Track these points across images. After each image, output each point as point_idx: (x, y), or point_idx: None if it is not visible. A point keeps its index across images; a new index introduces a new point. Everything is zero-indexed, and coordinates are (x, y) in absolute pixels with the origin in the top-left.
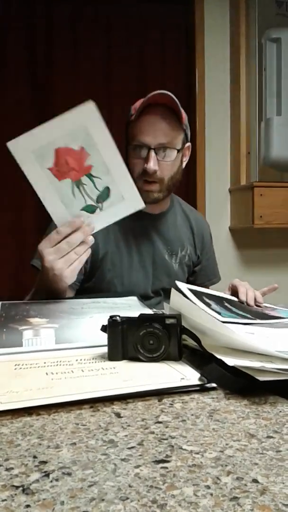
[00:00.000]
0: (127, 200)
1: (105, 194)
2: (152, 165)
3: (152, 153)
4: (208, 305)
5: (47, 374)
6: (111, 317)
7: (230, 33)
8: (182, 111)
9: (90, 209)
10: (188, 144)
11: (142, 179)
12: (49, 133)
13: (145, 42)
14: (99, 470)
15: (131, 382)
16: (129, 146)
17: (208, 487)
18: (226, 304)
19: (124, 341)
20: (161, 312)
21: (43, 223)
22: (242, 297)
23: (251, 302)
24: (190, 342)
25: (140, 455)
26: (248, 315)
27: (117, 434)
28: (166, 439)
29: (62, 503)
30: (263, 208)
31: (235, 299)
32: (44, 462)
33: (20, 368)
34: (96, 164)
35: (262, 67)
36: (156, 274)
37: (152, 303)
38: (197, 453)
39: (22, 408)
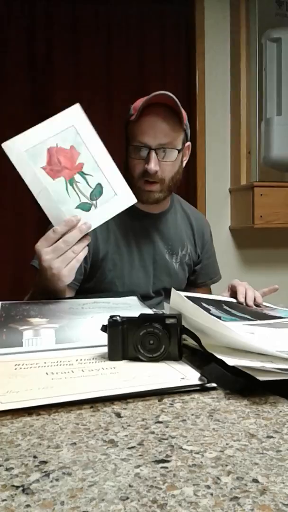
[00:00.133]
0: (119, 196)
1: (97, 190)
2: (153, 166)
3: (153, 154)
4: (207, 310)
5: (47, 374)
6: (111, 317)
7: (230, 33)
8: (183, 110)
9: (85, 207)
10: (188, 143)
11: (143, 179)
12: (40, 134)
13: (145, 42)
14: (99, 470)
15: (131, 382)
16: (129, 147)
17: (208, 487)
18: (225, 307)
19: (124, 341)
20: (161, 312)
21: (43, 223)
22: (241, 298)
23: (250, 303)
24: (190, 342)
25: (140, 455)
26: (248, 316)
27: (117, 434)
28: (166, 439)
29: (62, 503)
30: (263, 208)
31: (233, 300)
32: (44, 462)
33: (20, 368)
34: (87, 161)
35: (262, 67)
36: (156, 274)
37: (153, 303)
38: (197, 453)
39: (22, 408)
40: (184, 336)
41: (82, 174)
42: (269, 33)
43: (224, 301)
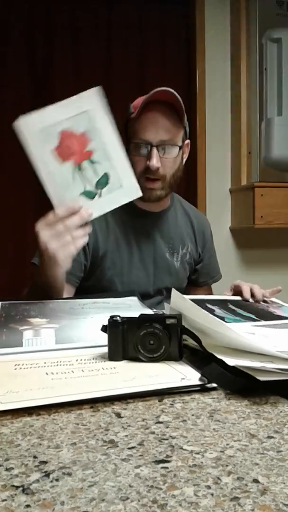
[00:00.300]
0: (125, 188)
1: (104, 180)
2: (155, 162)
3: (154, 150)
4: (212, 311)
5: (47, 374)
6: (111, 317)
7: (230, 33)
8: (183, 107)
9: (89, 195)
10: (188, 141)
11: (144, 176)
12: (55, 115)
13: (145, 42)
14: (99, 470)
15: (132, 382)
16: (130, 144)
17: (208, 487)
18: (230, 306)
19: (125, 341)
20: (161, 312)
21: None
22: (246, 295)
23: (260, 297)
24: (191, 342)
25: (140, 455)
26: (253, 316)
27: (117, 434)
28: (167, 439)
29: (62, 503)
30: (263, 208)
31: (239, 298)
32: (44, 462)
33: (20, 368)
34: (97, 149)
35: (262, 67)
36: (157, 273)
37: (153, 302)
38: (198, 453)
39: (22, 408)
40: (185, 336)
41: (91, 161)
42: (269, 33)
43: (229, 300)
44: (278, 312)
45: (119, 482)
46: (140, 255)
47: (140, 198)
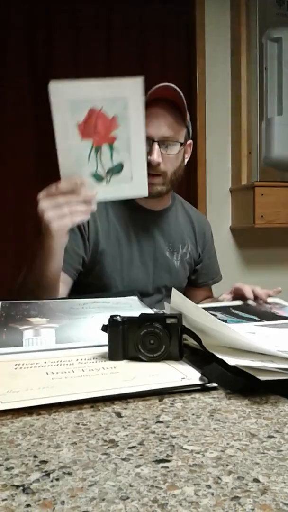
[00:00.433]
0: (134, 183)
1: (117, 169)
2: (156, 157)
3: (156, 146)
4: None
5: (47, 373)
6: (111, 316)
7: (230, 33)
8: (185, 105)
9: (98, 178)
10: (190, 141)
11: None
12: (91, 90)
13: (145, 42)
14: (99, 470)
15: (132, 381)
16: None
17: (209, 486)
18: (233, 310)
19: (125, 340)
20: (161, 312)
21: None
22: (249, 295)
23: (264, 297)
24: (191, 341)
25: (140, 455)
26: (255, 317)
27: (117, 434)
28: (167, 438)
29: (63, 502)
30: (264, 207)
31: (240, 302)
32: (45, 462)
33: (21, 367)
34: (121, 137)
35: (263, 66)
36: (156, 271)
37: (152, 300)
38: (198, 453)
39: (22, 407)
40: (185, 336)
41: (111, 147)
42: (269, 32)
43: (231, 305)
44: (281, 312)
45: (119, 482)
46: (140, 253)
47: None
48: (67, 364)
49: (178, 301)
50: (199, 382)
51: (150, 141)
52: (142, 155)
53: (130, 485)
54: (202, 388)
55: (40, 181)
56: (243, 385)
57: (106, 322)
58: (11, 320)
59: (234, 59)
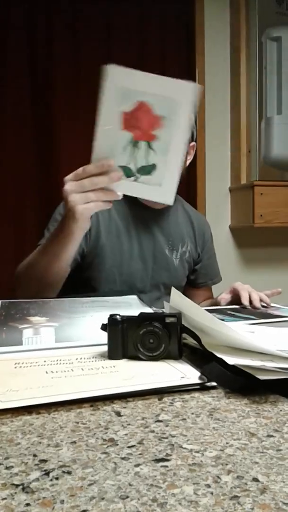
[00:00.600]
0: (162, 189)
1: (149, 169)
2: None
3: None
4: None
5: (47, 372)
6: (111, 315)
7: (230, 32)
8: None
9: (127, 172)
10: (193, 143)
11: None
12: (147, 83)
13: (145, 41)
14: (99, 469)
15: (131, 380)
16: None
17: (208, 486)
18: (229, 312)
19: (124, 339)
20: (161, 311)
21: (44, 223)
22: (245, 301)
23: (258, 304)
24: (190, 341)
25: (140, 454)
26: (252, 317)
27: (117, 433)
28: (166, 437)
29: (62, 501)
30: (263, 207)
31: (237, 307)
32: (44, 461)
33: (20, 366)
34: (162, 139)
35: (262, 66)
36: (155, 268)
37: (151, 297)
38: (197, 452)
39: (22, 406)
40: (184, 335)
41: (149, 145)
42: (269, 32)
43: (228, 308)
44: (276, 313)
45: (118, 481)
46: (140, 249)
47: None
48: (66, 363)
49: (177, 300)
50: (199, 381)
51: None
52: (177, 164)
53: (130, 484)
54: (201, 387)
55: (40, 181)
56: (243, 384)
57: (106, 321)
58: (11, 319)
59: (234, 58)
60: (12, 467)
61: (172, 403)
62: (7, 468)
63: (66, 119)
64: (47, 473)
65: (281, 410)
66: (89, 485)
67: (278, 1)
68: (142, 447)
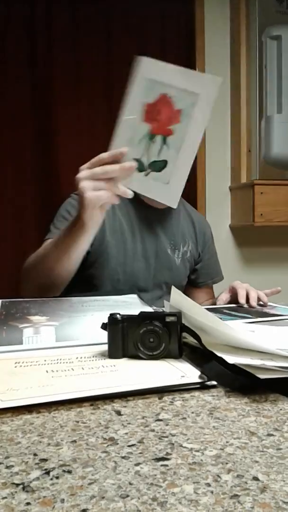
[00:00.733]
0: (168, 188)
1: (160, 165)
2: None
3: None
4: None
5: (47, 372)
6: (111, 315)
7: (230, 31)
8: None
9: (140, 166)
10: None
11: None
12: (171, 75)
13: (145, 40)
14: (99, 468)
15: (131, 379)
16: None
17: (208, 484)
18: (226, 311)
19: (125, 339)
20: (161, 310)
21: (44, 223)
22: (241, 300)
23: (254, 303)
24: (191, 340)
25: (140, 453)
26: (249, 315)
27: (117, 432)
28: (167, 436)
29: (62, 500)
30: (263, 206)
31: (233, 305)
32: (44, 460)
33: (21, 366)
34: (177, 134)
35: (262, 64)
36: (158, 267)
37: (153, 296)
38: (198, 451)
39: (22, 406)
40: (184, 334)
41: (164, 140)
42: (269, 30)
43: (225, 307)
44: (272, 311)
45: (119, 480)
46: (143, 248)
47: None
48: (67, 362)
49: (177, 299)
50: (199, 380)
51: None
52: (188, 163)
53: (130, 483)
54: (201, 386)
55: (40, 181)
56: (243, 383)
57: (106, 320)
58: (11, 318)
59: (234, 57)
60: (12, 466)
61: (172, 402)
62: (7, 467)
63: (66, 118)
64: (47, 472)
65: (281, 409)
66: (89, 484)
67: (278, 0)
68: (142, 446)
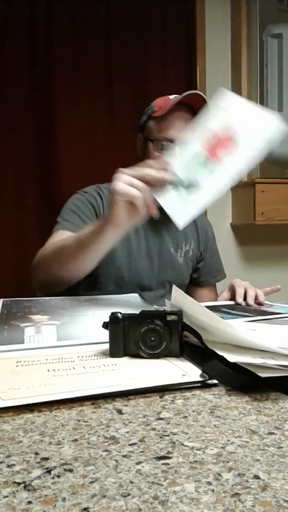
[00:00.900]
0: (184, 208)
1: (190, 184)
2: None
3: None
4: None
5: (48, 371)
6: (112, 313)
7: (231, 30)
8: None
9: (180, 183)
10: None
11: None
12: (242, 112)
13: (145, 39)
14: (100, 467)
15: (133, 378)
16: (154, 141)
17: (209, 483)
18: (224, 309)
19: (126, 337)
20: (162, 309)
21: (44, 223)
22: (239, 299)
23: (251, 301)
24: (191, 338)
25: (141, 452)
26: (248, 314)
27: (118, 431)
28: (168, 435)
29: (64, 499)
30: (264, 204)
31: (231, 302)
32: (46, 459)
33: (22, 365)
34: (223, 163)
35: (263, 63)
36: (161, 266)
37: (156, 295)
38: (199, 450)
39: (23, 405)
40: (185, 332)
41: (207, 162)
42: (270, 29)
43: (223, 305)
44: (270, 310)
45: (120, 479)
46: (146, 246)
47: None
48: (68, 361)
49: (178, 297)
50: (200, 379)
51: (171, 143)
52: (214, 195)
53: (131, 482)
54: (202, 385)
55: (40, 181)
56: (244, 382)
57: (107, 319)
58: (13, 317)
59: (235, 56)
60: (13, 465)
61: (173, 401)
62: (8, 466)
63: (66, 118)
64: (48, 471)
65: (282, 408)
66: (91, 482)
67: None
68: (143, 444)
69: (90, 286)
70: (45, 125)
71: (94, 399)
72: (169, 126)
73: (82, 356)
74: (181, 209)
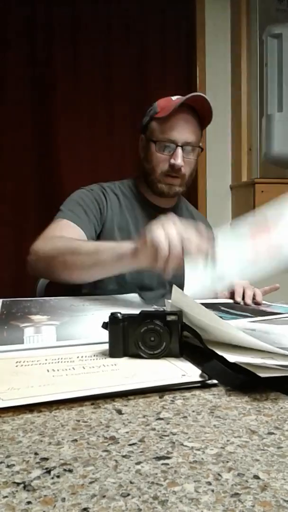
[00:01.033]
0: (199, 282)
1: (222, 276)
2: (179, 161)
3: (179, 150)
4: None
5: (48, 371)
6: (112, 314)
7: (231, 29)
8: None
9: (210, 267)
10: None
11: (166, 173)
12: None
13: (145, 39)
14: (100, 467)
15: (132, 379)
16: (156, 142)
17: (209, 483)
18: (223, 308)
19: (125, 338)
20: (162, 309)
21: (44, 223)
22: (238, 298)
23: (249, 301)
24: (191, 338)
25: (141, 452)
26: (247, 314)
27: (118, 431)
28: (167, 435)
29: (63, 499)
30: (264, 204)
31: (230, 301)
32: (45, 459)
33: (21, 365)
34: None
35: (263, 63)
36: None
37: (157, 294)
38: (198, 450)
39: (23, 405)
40: (185, 332)
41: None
42: (270, 29)
43: (221, 303)
44: (268, 309)
45: (120, 479)
46: None
47: (159, 193)
48: (67, 362)
49: (178, 298)
50: (199, 379)
51: (174, 145)
52: (232, 278)
53: (131, 482)
54: (202, 385)
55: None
56: (243, 382)
57: (107, 319)
58: (12, 317)
59: (235, 56)
60: (13, 465)
61: (173, 401)
62: (8, 466)
63: (66, 118)
64: (48, 471)
65: (281, 408)
66: (90, 483)
67: None
68: (143, 445)
69: (91, 285)
70: (45, 125)
71: (94, 399)
72: (172, 128)
73: (82, 356)
74: (197, 281)
